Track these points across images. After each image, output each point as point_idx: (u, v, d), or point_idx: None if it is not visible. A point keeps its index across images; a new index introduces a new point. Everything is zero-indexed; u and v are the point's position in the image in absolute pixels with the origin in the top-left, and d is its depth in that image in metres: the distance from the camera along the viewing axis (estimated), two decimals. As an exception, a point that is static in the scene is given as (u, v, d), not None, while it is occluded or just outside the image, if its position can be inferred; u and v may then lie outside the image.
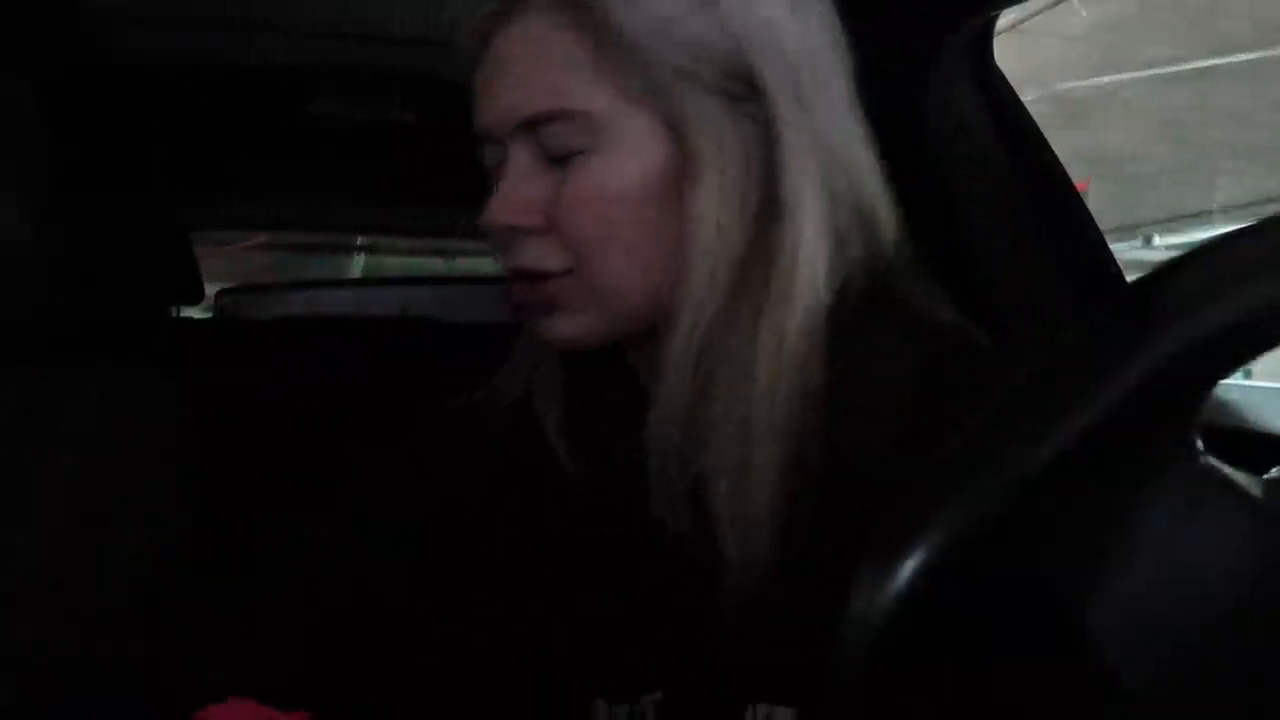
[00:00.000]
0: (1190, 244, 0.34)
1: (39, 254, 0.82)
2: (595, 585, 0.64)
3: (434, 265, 3.99)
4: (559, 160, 0.57)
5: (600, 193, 0.57)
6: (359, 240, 3.85)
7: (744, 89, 0.57)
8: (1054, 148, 1.21)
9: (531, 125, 0.57)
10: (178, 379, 0.95)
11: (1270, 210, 0.35)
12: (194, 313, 2.39)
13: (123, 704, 0.86)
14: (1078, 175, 1.23)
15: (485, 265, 3.55)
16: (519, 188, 0.58)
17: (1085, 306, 1.16)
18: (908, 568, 0.33)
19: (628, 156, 0.57)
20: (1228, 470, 0.35)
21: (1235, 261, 0.32)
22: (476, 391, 0.71)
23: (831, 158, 0.58)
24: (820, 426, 0.56)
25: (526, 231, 0.58)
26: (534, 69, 0.57)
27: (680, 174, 0.57)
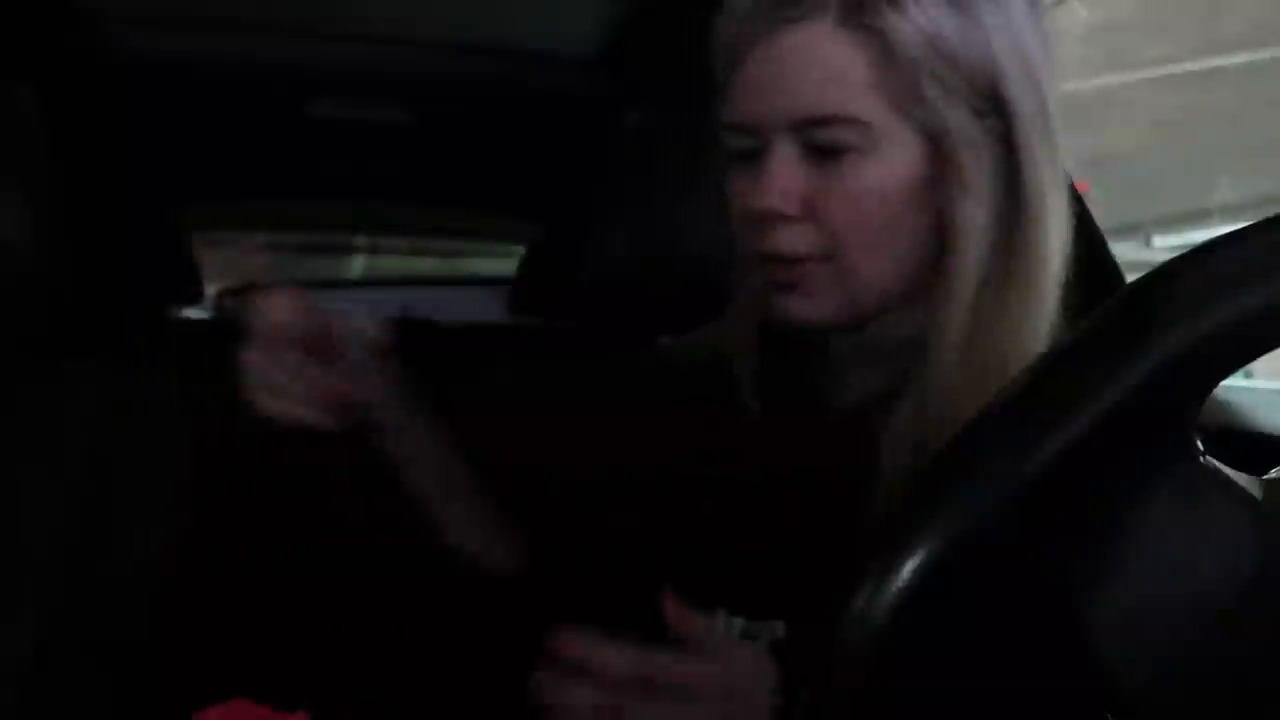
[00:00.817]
0: (1190, 244, 0.34)
1: (39, 254, 0.82)
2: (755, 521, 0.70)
3: (434, 266, 3.99)
4: (823, 155, 0.62)
5: (865, 191, 0.62)
6: (359, 241, 3.84)
7: (991, 105, 0.63)
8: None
9: (805, 125, 0.62)
10: (178, 380, 0.95)
11: (1270, 211, 0.35)
12: (194, 313, 2.39)
13: (123, 703, 0.86)
14: (1078, 176, 1.23)
15: (485, 266, 3.54)
16: (783, 178, 0.63)
17: (1085, 307, 1.16)
18: (909, 567, 0.33)
19: (893, 160, 0.62)
20: (1227, 471, 0.35)
21: (1235, 262, 0.32)
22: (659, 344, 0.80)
23: (1058, 167, 0.65)
24: None
25: (785, 218, 0.64)
26: (816, 74, 0.61)
27: (933, 180, 0.63)
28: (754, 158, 0.65)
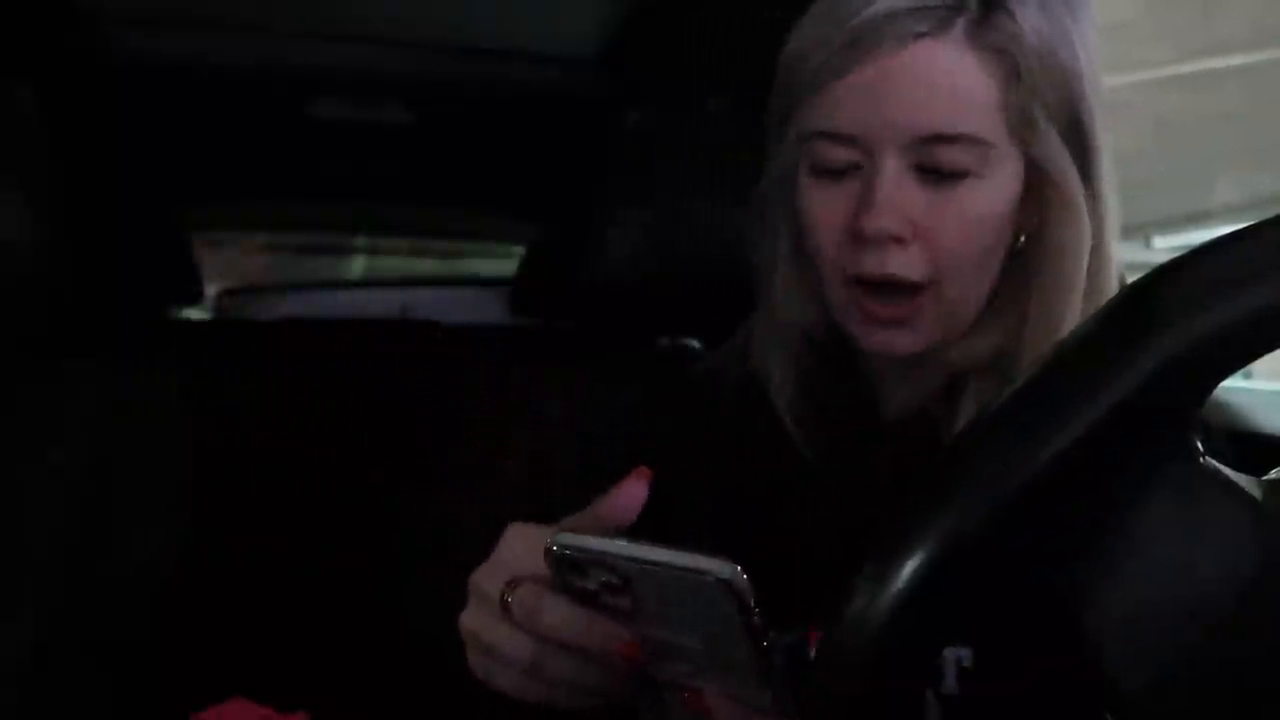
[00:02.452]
0: (1190, 245, 0.34)
1: (39, 254, 0.82)
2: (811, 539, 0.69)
3: (434, 267, 3.99)
4: (936, 176, 0.61)
5: (977, 216, 0.62)
6: (359, 241, 3.84)
7: (1072, 126, 0.63)
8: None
9: (927, 142, 0.60)
10: (178, 379, 0.95)
11: (1270, 212, 0.35)
12: (194, 313, 2.39)
13: (123, 703, 0.86)
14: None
15: (485, 267, 3.54)
16: (897, 197, 0.61)
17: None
18: (908, 568, 0.33)
19: (1001, 184, 0.62)
20: (1227, 471, 0.35)
21: (1235, 263, 0.32)
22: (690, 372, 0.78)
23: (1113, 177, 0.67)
24: None
25: (897, 240, 0.62)
26: (946, 90, 0.60)
27: (1024, 205, 0.63)
28: (847, 172, 0.63)
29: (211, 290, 2.71)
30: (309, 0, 1.34)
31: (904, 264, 0.62)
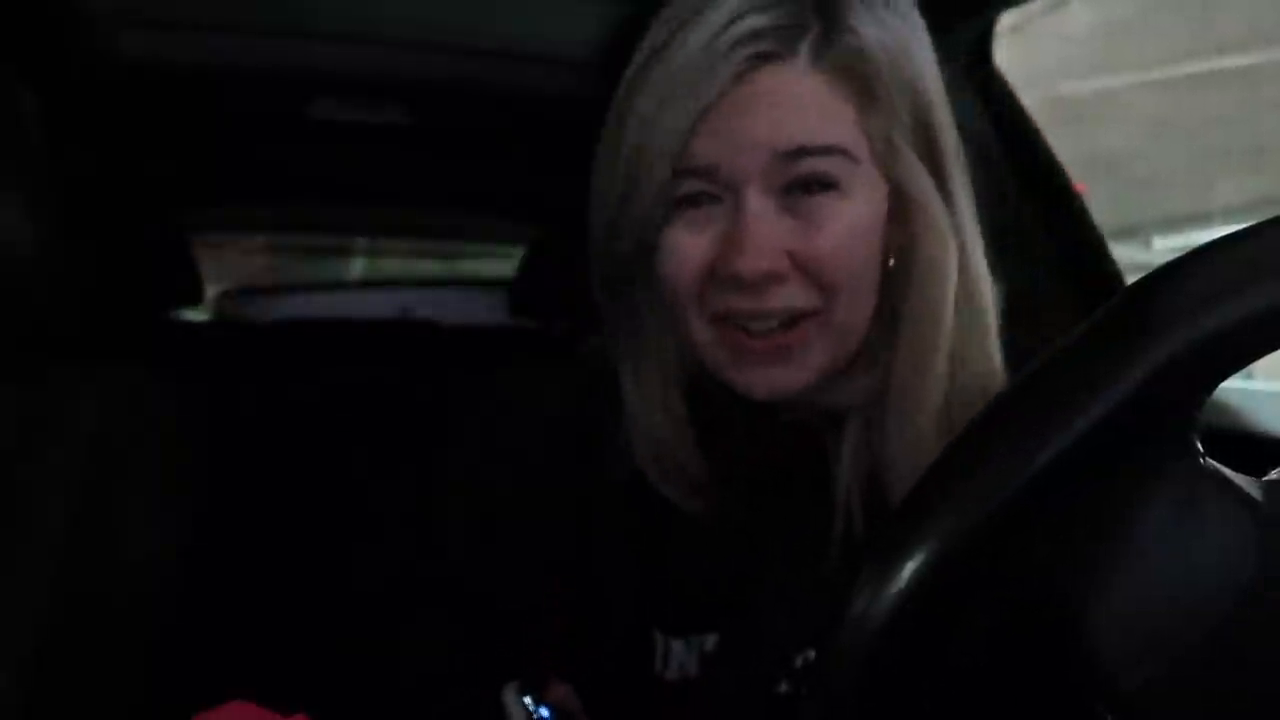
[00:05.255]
0: (1190, 246, 0.34)
1: (40, 255, 0.82)
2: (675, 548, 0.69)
3: (434, 268, 3.99)
4: (802, 195, 0.59)
5: (849, 231, 0.60)
6: (359, 243, 3.85)
7: (931, 152, 0.62)
8: (1053, 150, 1.21)
9: (791, 157, 0.58)
10: (178, 381, 0.95)
11: (1270, 213, 0.35)
12: (194, 315, 2.39)
13: (124, 704, 0.86)
14: (1077, 178, 1.24)
15: (485, 268, 3.54)
16: (765, 234, 0.59)
17: (1085, 307, 1.16)
18: (908, 568, 0.33)
19: (868, 203, 0.60)
20: (1227, 472, 0.35)
21: (1234, 264, 0.32)
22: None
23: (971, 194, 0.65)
24: None
25: (779, 277, 0.59)
26: (799, 108, 0.58)
27: (887, 219, 0.61)
28: (703, 204, 0.60)
29: (211, 291, 2.71)
30: (309, 2, 1.34)
31: (791, 296, 0.60)
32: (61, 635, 0.80)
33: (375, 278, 4.10)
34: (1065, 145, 1.23)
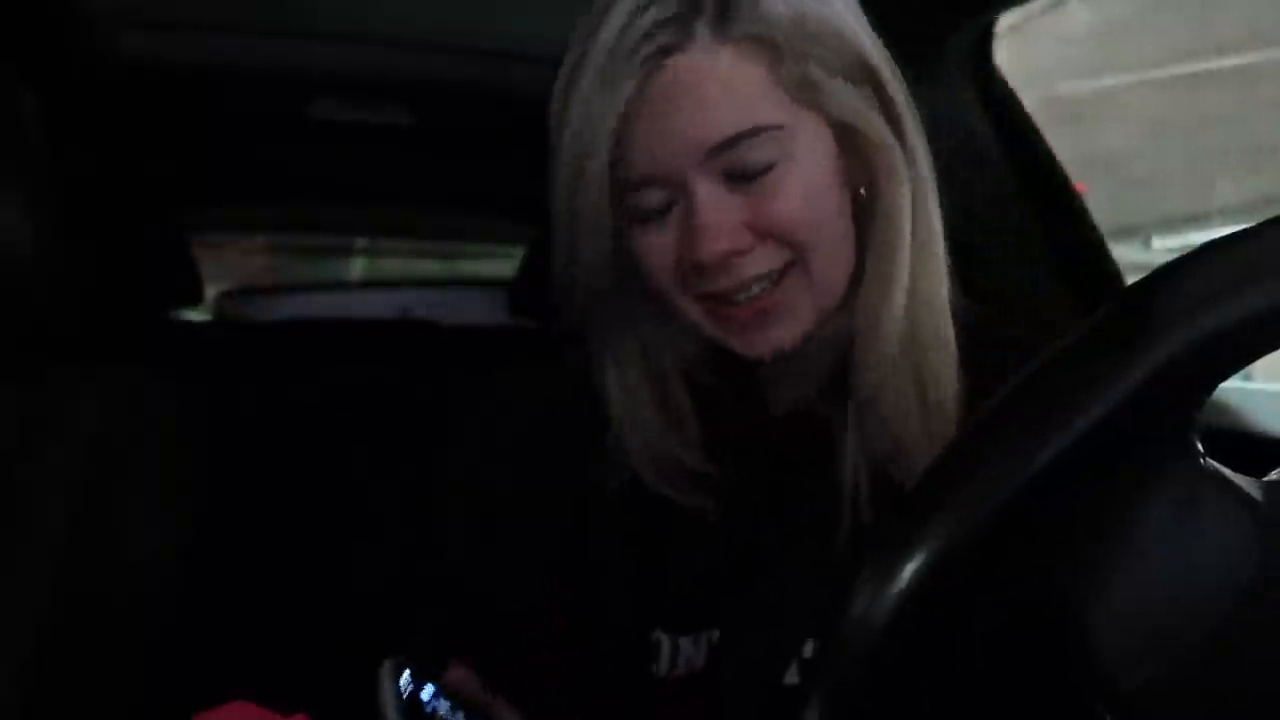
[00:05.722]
0: (1190, 246, 0.34)
1: (40, 255, 0.82)
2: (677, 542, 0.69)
3: (434, 268, 3.99)
4: (745, 180, 0.59)
5: (804, 194, 0.60)
6: (359, 243, 3.85)
7: (861, 72, 0.61)
8: (1053, 150, 1.21)
9: (721, 149, 0.59)
10: (178, 381, 0.95)
11: (1269, 213, 0.35)
12: (194, 315, 2.39)
13: (124, 704, 0.86)
14: (1076, 178, 1.24)
15: (485, 268, 3.54)
16: (719, 216, 0.60)
17: (1085, 307, 1.16)
18: (909, 568, 0.33)
19: (813, 157, 0.60)
20: (1227, 472, 0.35)
21: (1234, 264, 0.32)
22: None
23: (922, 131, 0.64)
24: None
25: (742, 252, 0.60)
26: (721, 93, 0.58)
27: (839, 155, 0.62)
28: (666, 211, 0.61)
29: (211, 291, 2.71)
30: (309, 2, 1.34)
31: (759, 262, 0.61)
32: (61, 635, 0.80)
33: (375, 278, 4.10)
34: (1064, 145, 1.23)
